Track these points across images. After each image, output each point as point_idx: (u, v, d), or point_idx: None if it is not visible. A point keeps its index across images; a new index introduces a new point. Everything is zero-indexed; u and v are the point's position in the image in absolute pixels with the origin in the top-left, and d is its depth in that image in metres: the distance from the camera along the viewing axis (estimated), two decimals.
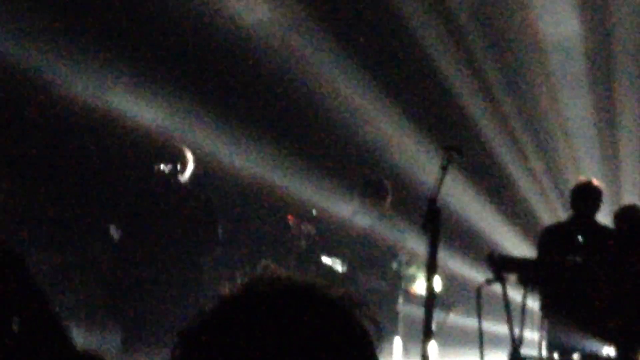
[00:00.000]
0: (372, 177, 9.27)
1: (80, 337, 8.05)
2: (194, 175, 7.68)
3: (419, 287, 8.72)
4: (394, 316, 8.82)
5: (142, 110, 9.50)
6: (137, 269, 7.23)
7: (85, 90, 9.17)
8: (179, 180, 7.49)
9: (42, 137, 8.79)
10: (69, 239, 8.55)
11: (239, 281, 1.48)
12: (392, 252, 8.84)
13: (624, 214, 7.55)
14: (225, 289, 1.47)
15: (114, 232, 7.75)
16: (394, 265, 8.81)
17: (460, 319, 9.06)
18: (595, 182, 7.65)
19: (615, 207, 7.87)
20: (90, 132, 9.24)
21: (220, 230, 7.58)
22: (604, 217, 7.69)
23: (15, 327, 2.58)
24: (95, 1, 9.53)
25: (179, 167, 7.49)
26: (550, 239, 7.51)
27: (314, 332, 1.41)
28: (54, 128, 8.86)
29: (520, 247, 10.00)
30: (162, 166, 7.51)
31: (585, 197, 7.49)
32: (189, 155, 7.60)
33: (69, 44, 9.15)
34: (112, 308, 7.61)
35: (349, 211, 9.16)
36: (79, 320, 8.47)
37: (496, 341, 7.84)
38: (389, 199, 8.91)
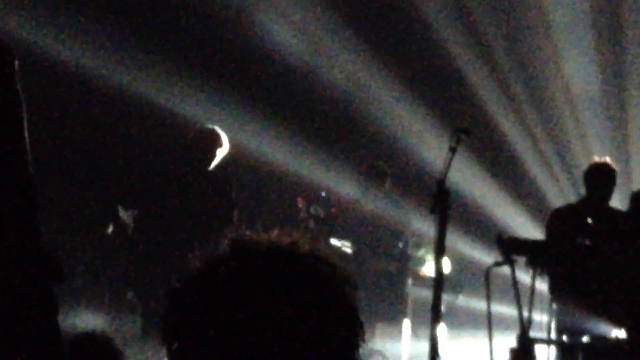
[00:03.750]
0: (370, 162, 9.39)
1: (101, 322, 8.08)
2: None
3: (428, 269, 8.73)
4: (402, 298, 8.85)
5: (163, 91, 9.50)
6: (155, 252, 7.16)
7: (117, 75, 9.18)
8: (201, 162, 7.34)
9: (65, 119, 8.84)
10: (86, 221, 8.55)
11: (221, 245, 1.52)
12: (397, 233, 8.91)
13: None
14: (208, 251, 1.52)
15: (123, 213, 7.70)
16: (400, 244, 8.87)
17: (469, 301, 9.07)
18: (610, 162, 7.49)
19: (625, 189, 7.76)
20: (117, 116, 9.28)
21: (235, 213, 7.50)
22: (614, 199, 7.59)
23: None
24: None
25: (204, 149, 7.35)
26: (560, 221, 7.43)
27: (298, 287, 1.46)
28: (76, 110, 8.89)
29: (529, 229, 9.98)
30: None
31: (600, 178, 7.33)
32: (222, 140, 7.42)
33: (106, 35, 9.18)
34: (133, 292, 7.54)
35: (356, 193, 9.20)
36: (100, 305, 8.49)
37: (505, 323, 7.84)
38: (387, 181, 9.00)
